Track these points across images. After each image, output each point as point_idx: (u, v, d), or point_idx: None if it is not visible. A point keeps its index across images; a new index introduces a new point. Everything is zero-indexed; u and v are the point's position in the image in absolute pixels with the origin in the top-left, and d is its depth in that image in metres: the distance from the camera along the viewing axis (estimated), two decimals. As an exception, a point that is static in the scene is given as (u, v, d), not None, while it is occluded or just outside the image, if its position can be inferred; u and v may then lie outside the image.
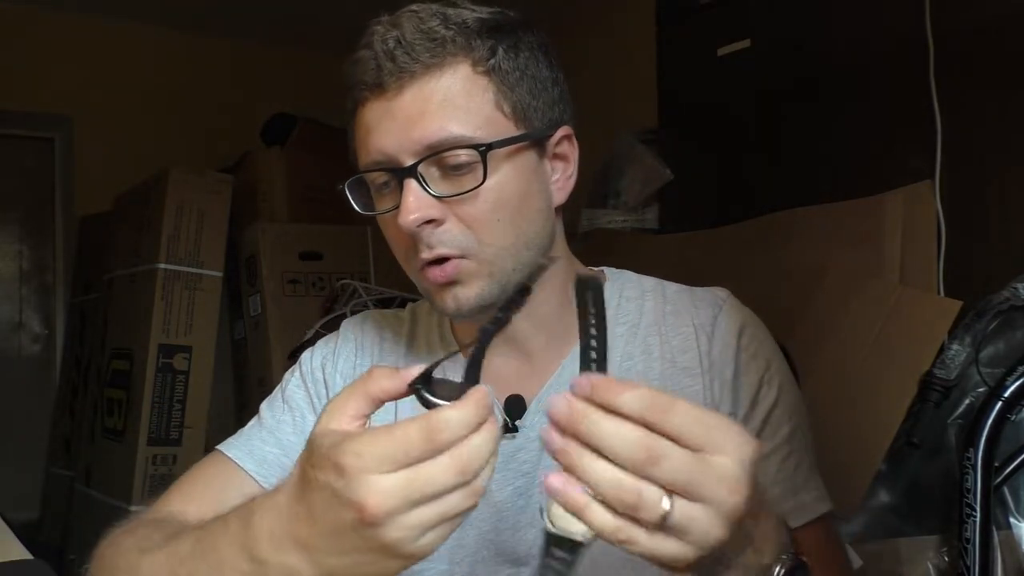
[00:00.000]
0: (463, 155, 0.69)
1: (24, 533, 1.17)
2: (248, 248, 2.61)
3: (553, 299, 0.79)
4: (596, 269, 0.86)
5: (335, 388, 0.85)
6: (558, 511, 0.47)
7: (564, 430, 0.46)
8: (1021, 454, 1.29)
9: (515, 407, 0.79)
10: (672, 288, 0.83)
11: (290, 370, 0.89)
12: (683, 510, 0.45)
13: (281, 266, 2.55)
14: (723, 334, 0.79)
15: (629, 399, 0.45)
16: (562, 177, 0.77)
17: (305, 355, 0.88)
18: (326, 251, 2.62)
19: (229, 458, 0.81)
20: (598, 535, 0.46)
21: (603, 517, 0.45)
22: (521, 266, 0.73)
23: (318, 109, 3.03)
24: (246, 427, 0.85)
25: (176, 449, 2.42)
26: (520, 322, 0.77)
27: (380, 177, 0.73)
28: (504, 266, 0.72)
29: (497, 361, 0.80)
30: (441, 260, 0.71)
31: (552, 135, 0.75)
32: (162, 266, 2.42)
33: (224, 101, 3.51)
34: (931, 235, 1.59)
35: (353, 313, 1.01)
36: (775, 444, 0.76)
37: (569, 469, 0.46)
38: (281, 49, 3.70)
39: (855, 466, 1.44)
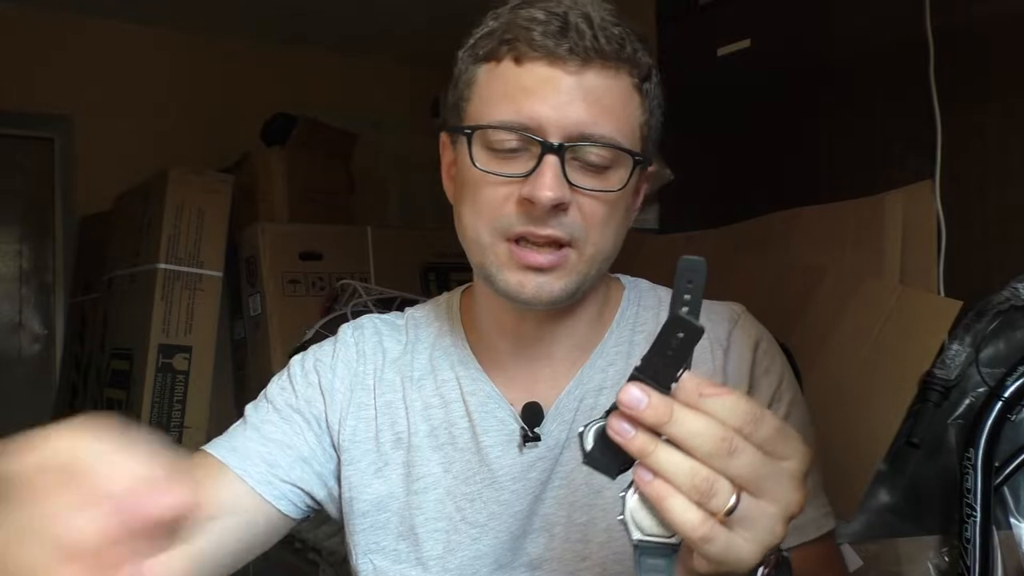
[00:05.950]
0: (609, 156, 0.70)
1: (24, 533, 1.17)
2: (248, 248, 2.60)
3: (592, 308, 0.80)
4: (611, 276, 0.86)
5: (334, 395, 0.83)
6: (641, 516, 0.47)
7: (640, 422, 0.45)
8: (1021, 454, 1.29)
9: (532, 415, 0.78)
10: None
11: (277, 375, 0.87)
12: (748, 505, 0.45)
13: (281, 266, 2.55)
14: (738, 348, 0.79)
15: (720, 406, 0.45)
16: (634, 203, 0.80)
17: (295, 359, 0.86)
18: (326, 251, 2.62)
19: (212, 455, 0.81)
20: (678, 530, 0.45)
21: (687, 508, 0.45)
22: (598, 273, 0.75)
23: (318, 109, 3.03)
24: (231, 428, 0.84)
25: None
26: (555, 327, 0.78)
27: (510, 140, 0.70)
28: (593, 269, 0.74)
29: (508, 362, 0.80)
30: (549, 245, 0.71)
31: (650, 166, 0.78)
32: (162, 266, 2.42)
33: (224, 101, 3.51)
34: (931, 235, 1.59)
35: (354, 313, 1.00)
36: None
37: (643, 458, 0.45)
38: (282, 48, 3.70)
39: (855, 466, 1.44)
